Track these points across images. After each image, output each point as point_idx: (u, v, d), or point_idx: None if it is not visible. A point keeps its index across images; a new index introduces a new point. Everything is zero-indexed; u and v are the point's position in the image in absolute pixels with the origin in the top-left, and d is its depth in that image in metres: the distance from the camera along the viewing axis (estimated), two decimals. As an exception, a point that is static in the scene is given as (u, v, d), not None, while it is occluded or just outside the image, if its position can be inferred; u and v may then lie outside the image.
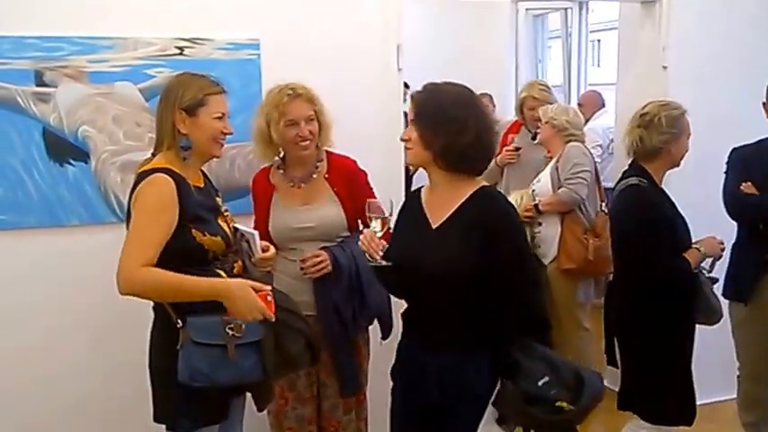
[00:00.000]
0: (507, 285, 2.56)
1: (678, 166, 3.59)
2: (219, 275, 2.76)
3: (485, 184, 2.69)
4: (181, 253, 2.71)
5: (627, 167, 3.59)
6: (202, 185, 2.94)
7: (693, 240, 3.51)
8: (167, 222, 2.70)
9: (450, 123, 2.54)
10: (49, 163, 3.52)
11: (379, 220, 2.80)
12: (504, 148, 5.27)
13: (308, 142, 3.38)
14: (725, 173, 3.98)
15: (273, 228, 3.45)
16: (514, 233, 2.63)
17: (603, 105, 7.32)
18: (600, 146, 6.62)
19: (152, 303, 2.84)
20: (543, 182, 4.76)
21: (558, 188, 4.65)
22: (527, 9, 9.30)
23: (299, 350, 2.93)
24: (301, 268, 3.37)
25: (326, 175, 3.50)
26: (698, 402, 3.57)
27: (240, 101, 3.65)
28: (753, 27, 4.81)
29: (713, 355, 3.98)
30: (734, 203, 3.85)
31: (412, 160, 2.72)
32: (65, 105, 3.51)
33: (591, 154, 4.83)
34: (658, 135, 3.41)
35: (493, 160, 5.35)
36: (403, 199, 4.25)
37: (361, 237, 2.79)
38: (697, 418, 3.74)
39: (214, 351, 2.69)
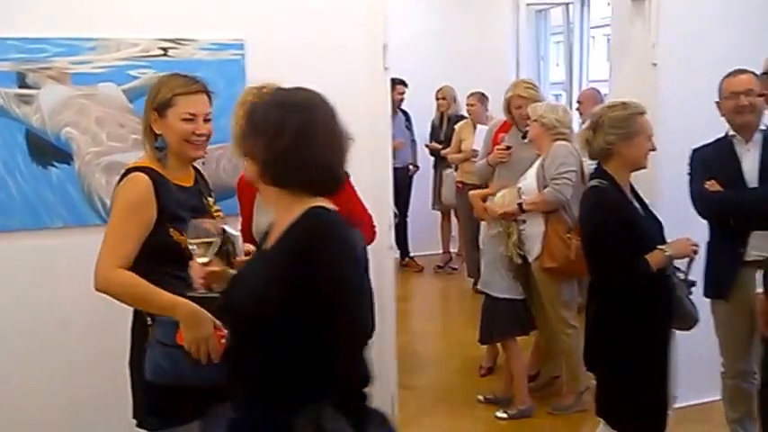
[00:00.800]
0: (318, 328, 2.01)
1: (643, 167, 3.51)
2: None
3: (322, 204, 2.15)
4: (158, 251, 2.73)
5: (593, 170, 3.60)
6: (190, 185, 2.93)
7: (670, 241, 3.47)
8: (142, 220, 2.71)
9: (266, 126, 2.13)
10: (32, 165, 3.52)
11: (203, 246, 2.60)
12: (495, 148, 5.27)
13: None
14: (688, 174, 3.99)
15: (256, 229, 3.40)
16: (334, 263, 2.02)
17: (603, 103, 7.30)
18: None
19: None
20: (529, 180, 4.76)
21: (544, 187, 4.64)
22: (528, 4, 9.29)
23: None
24: None
25: None
26: (690, 403, 3.55)
27: (224, 101, 3.61)
28: (743, 24, 4.77)
29: (702, 355, 3.95)
30: (702, 203, 3.86)
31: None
32: (48, 107, 3.51)
33: (578, 153, 4.80)
34: (603, 136, 3.37)
35: (485, 159, 5.42)
36: (391, 202, 4.32)
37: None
38: (689, 419, 3.74)
39: (174, 351, 2.67)
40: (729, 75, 3.95)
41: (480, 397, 5.12)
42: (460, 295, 7.96)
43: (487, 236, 4.91)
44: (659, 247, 3.34)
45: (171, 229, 2.76)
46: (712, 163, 3.95)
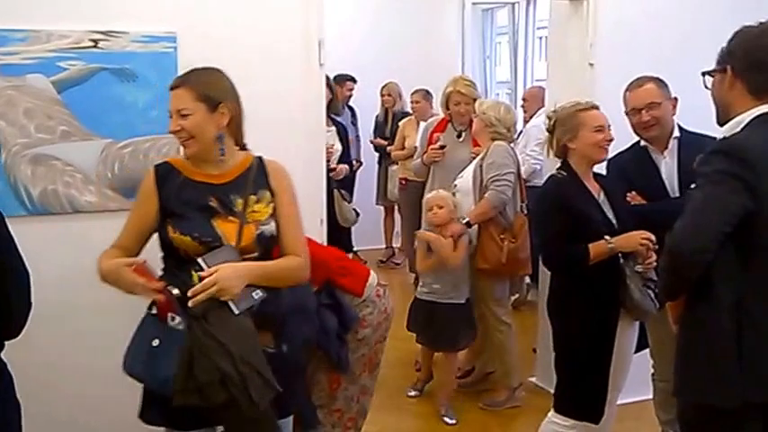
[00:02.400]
0: None
1: (599, 159, 3.64)
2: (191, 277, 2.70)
3: None
4: (161, 245, 2.85)
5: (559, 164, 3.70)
6: (219, 182, 2.83)
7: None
8: (140, 212, 2.88)
9: None
10: (-42, 156, 3.46)
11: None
12: (430, 147, 5.30)
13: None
14: None
15: None
16: None
17: (546, 103, 7.36)
18: (542, 143, 6.66)
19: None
20: (465, 178, 4.80)
21: (481, 185, 4.67)
22: (474, 3, 9.35)
23: (210, 382, 2.59)
24: None
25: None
26: (627, 401, 3.61)
27: (156, 94, 3.64)
28: (679, 23, 4.87)
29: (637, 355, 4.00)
30: (633, 217, 3.73)
31: None
32: (-26, 98, 3.45)
33: (515, 154, 4.86)
34: (558, 135, 3.61)
35: (420, 159, 5.45)
36: (324, 199, 4.30)
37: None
38: (625, 417, 3.79)
39: (139, 346, 2.79)
40: (630, 87, 3.94)
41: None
42: (402, 290, 7.97)
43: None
44: (606, 238, 3.43)
45: (168, 225, 2.78)
46: (632, 173, 3.95)
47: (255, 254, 2.76)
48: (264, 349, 2.69)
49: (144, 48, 3.63)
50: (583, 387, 3.53)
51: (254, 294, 2.68)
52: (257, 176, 2.85)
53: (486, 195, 4.67)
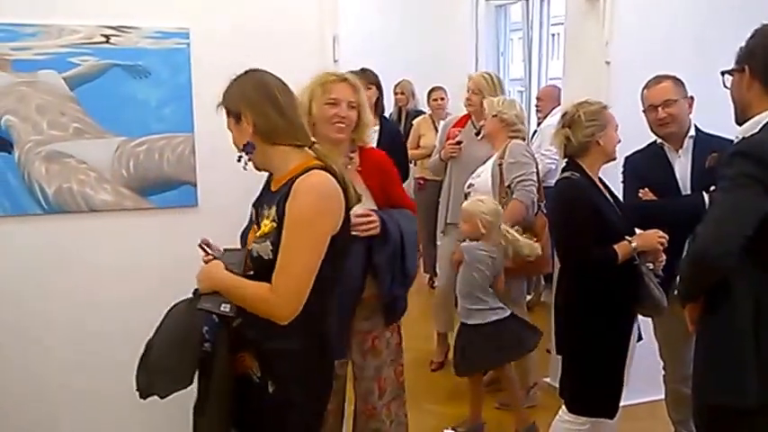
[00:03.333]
0: None
1: (614, 159, 3.68)
2: None
3: None
4: None
5: (564, 165, 3.68)
6: (269, 189, 2.72)
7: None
8: None
9: None
10: (-28, 154, 3.43)
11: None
12: (447, 142, 5.26)
13: (343, 125, 3.35)
14: (622, 182, 4.03)
15: None
16: None
17: (562, 101, 7.31)
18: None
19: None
20: (483, 177, 4.75)
21: (501, 185, 4.63)
22: (487, 0, 9.29)
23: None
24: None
25: (359, 169, 3.46)
26: (637, 401, 3.60)
27: (169, 90, 3.62)
28: (695, 22, 4.84)
29: (648, 354, 3.97)
30: (637, 213, 3.82)
31: None
32: (-13, 94, 3.42)
33: (530, 153, 4.82)
34: (582, 130, 3.53)
35: (438, 155, 5.41)
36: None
37: None
38: (638, 416, 3.77)
39: None
40: (648, 85, 3.96)
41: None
42: (415, 290, 7.93)
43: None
44: (627, 238, 3.46)
45: None
46: (645, 171, 3.97)
47: (251, 272, 2.56)
48: (248, 373, 2.55)
49: (156, 44, 3.60)
50: (600, 385, 3.54)
51: (222, 306, 2.53)
52: (286, 189, 2.52)
53: (515, 197, 4.63)
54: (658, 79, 3.93)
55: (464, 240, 4.48)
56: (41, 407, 3.69)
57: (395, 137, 5.82)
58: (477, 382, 4.74)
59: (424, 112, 7.95)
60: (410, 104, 8.23)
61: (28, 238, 3.55)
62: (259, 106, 2.55)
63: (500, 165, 4.72)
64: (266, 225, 2.49)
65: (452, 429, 4.71)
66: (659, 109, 3.86)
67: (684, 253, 2.84)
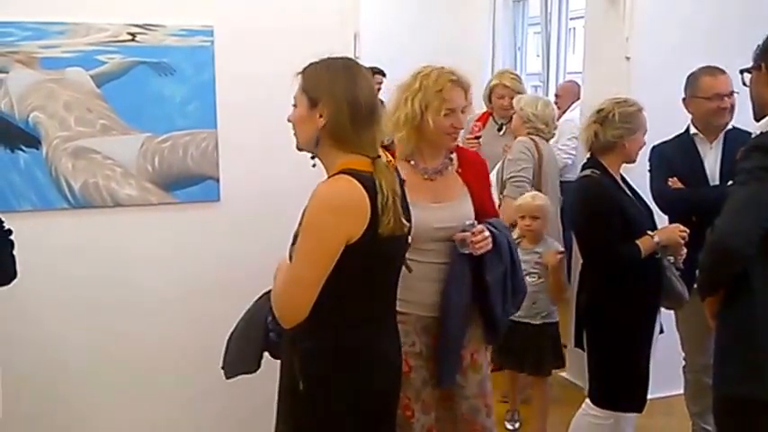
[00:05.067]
0: None
1: (633, 161, 3.69)
2: None
3: None
4: None
5: (585, 161, 3.69)
6: None
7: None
8: None
9: None
10: (0, 149, 3.49)
11: None
12: (466, 136, 5.29)
13: (457, 135, 3.26)
14: (649, 171, 4.05)
15: None
16: None
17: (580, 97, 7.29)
18: (576, 138, 6.61)
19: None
20: (492, 173, 4.79)
21: (502, 181, 4.67)
22: (506, -6, 9.28)
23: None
24: (462, 241, 3.06)
25: (459, 170, 3.28)
26: (654, 396, 3.63)
27: (193, 88, 3.67)
28: (716, 18, 4.84)
29: (666, 350, 3.97)
30: (662, 199, 3.93)
31: None
32: (16, 91, 3.47)
33: (531, 150, 4.74)
34: (612, 130, 3.53)
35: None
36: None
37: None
38: (655, 412, 3.80)
39: None
40: (710, 73, 3.95)
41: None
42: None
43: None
44: (649, 233, 3.50)
45: None
46: (674, 160, 4.00)
47: None
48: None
49: (181, 41, 3.64)
50: (628, 379, 3.57)
51: None
52: None
53: (505, 193, 4.68)
54: (719, 70, 3.94)
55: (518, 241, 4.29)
56: (65, 401, 3.75)
57: None
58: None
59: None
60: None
61: (54, 231, 3.60)
62: (340, 105, 2.41)
63: (504, 162, 4.77)
64: (298, 229, 2.43)
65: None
66: (725, 98, 3.88)
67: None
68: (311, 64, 2.52)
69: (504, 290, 3.22)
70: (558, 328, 4.40)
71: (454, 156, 3.29)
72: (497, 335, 3.33)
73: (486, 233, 3.10)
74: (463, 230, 3.08)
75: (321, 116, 2.41)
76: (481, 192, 3.33)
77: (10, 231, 2.90)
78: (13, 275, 2.86)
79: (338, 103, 2.40)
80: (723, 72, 3.93)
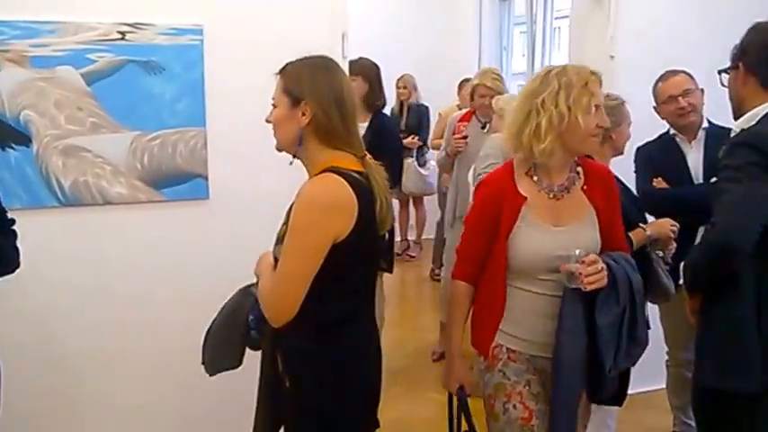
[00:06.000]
0: None
1: (622, 153, 3.76)
2: None
3: None
4: None
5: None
6: None
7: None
8: None
9: None
10: (-10, 146, 3.51)
11: None
12: (453, 137, 5.34)
13: (600, 135, 2.85)
14: (634, 172, 4.11)
15: (522, 252, 2.75)
16: None
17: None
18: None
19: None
20: (469, 174, 4.87)
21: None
22: (493, -6, 9.33)
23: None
24: (570, 274, 2.66)
25: (584, 186, 2.86)
26: (637, 390, 3.69)
27: (182, 86, 3.70)
28: (699, 18, 4.90)
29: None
30: (650, 200, 3.95)
31: None
32: (6, 90, 3.49)
33: (500, 145, 4.72)
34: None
35: (444, 151, 5.49)
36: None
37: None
38: (637, 406, 3.84)
39: None
40: (663, 78, 4.04)
41: None
42: (417, 282, 8.08)
43: None
44: (641, 225, 3.55)
45: None
46: (658, 160, 4.06)
47: None
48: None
49: (170, 40, 3.67)
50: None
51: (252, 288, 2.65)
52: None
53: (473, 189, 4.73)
54: (673, 72, 4.02)
55: None
56: (55, 397, 3.77)
57: (383, 134, 4.98)
58: None
59: (427, 106, 8.02)
60: (412, 98, 8.26)
61: (44, 229, 3.62)
62: (326, 103, 2.42)
63: None
64: (282, 228, 2.45)
65: None
66: (680, 99, 3.95)
67: (699, 241, 2.88)
68: (289, 63, 2.55)
69: (618, 337, 2.73)
70: None
71: (580, 169, 2.89)
72: (602, 392, 2.86)
73: (601, 265, 2.66)
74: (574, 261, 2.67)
75: (304, 114, 2.42)
76: (611, 215, 2.88)
77: (13, 221, 2.93)
78: (17, 265, 2.88)
79: (324, 100, 2.42)
80: (676, 74, 4.00)
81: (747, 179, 2.50)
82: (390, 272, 4.62)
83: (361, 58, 4.97)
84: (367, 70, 4.96)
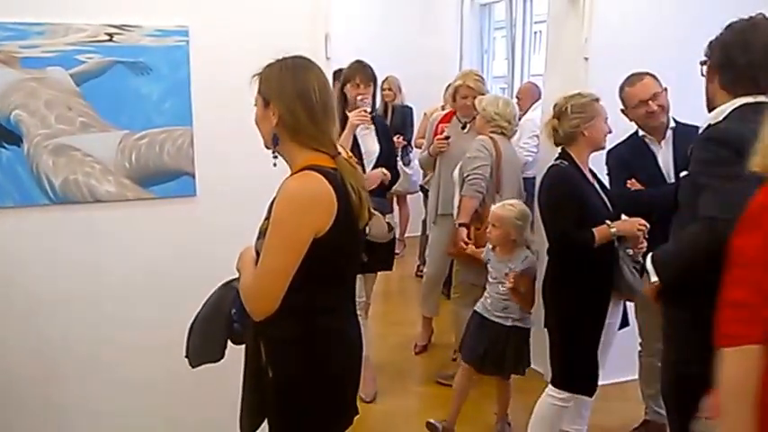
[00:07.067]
0: None
1: (603, 147, 3.90)
2: None
3: None
4: None
5: (557, 154, 3.87)
6: None
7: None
8: None
9: None
10: (-18, 146, 3.58)
11: None
12: (435, 138, 5.44)
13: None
14: (607, 174, 4.20)
15: None
16: None
17: (540, 97, 7.48)
18: (536, 136, 6.78)
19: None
20: (454, 173, 4.99)
21: (461, 179, 4.85)
22: (473, -1, 9.44)
23: None
24: None
25: None
26: (609, 381, 3.80)
27: (169, 86, 3.79)
28: (673, 19, 5.01)
29: (620, 337, 4.13)
30: (625, 202, 4.00)
31: None
32: (-3, 90, 3.57)
33: (489, 148, 4.89)
34: (568, 122, 3.73)
35: (426, 151, 5.60)
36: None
37: None
38: (610, 396, 3.94)
39: None
40: (630, 83, 4.13)
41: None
42: (401, 279, 8.18)
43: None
44: (607, 222, 3.65)
45: None
46: (630, 162, 4.16)
47: None
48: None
49: (157, 42, 3.76)
50: (581, 364, 3.77)
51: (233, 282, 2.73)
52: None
53: (462, 192, 4.89)
54: (639, 76, 4.11)
55: (492, 247, 4.44)
56: (47, 390, 3.86)
57: (388, 136, 5.17)
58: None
59: (411, 107, 8.13)
60: (397, 100, 8.35)
61: (35, 227, 3.70)
62: (290, 102, 2.49)
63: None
64: (264, 223, 2.51)
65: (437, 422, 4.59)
66: (650, 102, 4.05)
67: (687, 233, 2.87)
68: (266, 66, 2.63)
69: None
70: (528, 334, 4.37)
71: None
72: None
73: None
74: None
75: (274, 114, 2.52)
76: None
77: None
78: None
79: (288, 100, 2.49)
80: (642, 77, 4.09)
81: (732, 180, 2.50)
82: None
83: (361, 62, 5.20)
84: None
